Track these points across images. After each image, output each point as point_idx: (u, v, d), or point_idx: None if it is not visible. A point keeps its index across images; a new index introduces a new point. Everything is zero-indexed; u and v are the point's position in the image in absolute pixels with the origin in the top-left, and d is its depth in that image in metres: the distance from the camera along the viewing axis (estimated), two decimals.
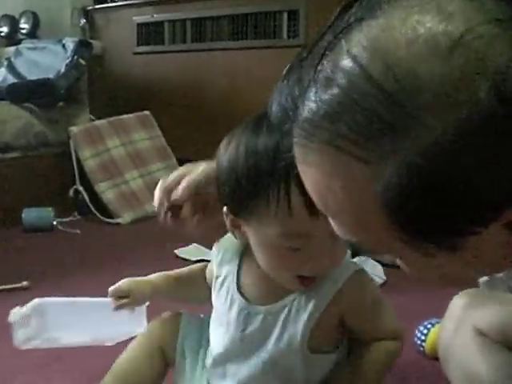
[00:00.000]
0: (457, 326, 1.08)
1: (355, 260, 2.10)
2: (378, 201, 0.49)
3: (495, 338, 1.01)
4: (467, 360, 1.04)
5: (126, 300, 1.07)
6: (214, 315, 1.09)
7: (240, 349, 1.04)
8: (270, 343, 1.01)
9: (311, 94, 0.51)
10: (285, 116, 0.54)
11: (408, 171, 0.47)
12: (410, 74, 0.46)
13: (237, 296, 1.04)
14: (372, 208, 0.50)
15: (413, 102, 0.46)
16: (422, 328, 1.54)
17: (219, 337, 1.07)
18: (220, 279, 1.07)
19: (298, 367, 1.02)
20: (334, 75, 0.49)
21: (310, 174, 0.54)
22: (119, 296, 1.07)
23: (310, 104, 0.51)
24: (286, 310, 1.00)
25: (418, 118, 0.46)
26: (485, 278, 1.17)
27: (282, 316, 1.00)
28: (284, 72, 0.56)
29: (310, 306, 0.99)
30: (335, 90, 0.49)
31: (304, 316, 0.99)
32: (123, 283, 1.09)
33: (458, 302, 1.11)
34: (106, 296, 1.08)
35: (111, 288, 1.09)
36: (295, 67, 0.54)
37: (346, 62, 0.49)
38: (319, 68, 0.51)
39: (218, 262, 1.07)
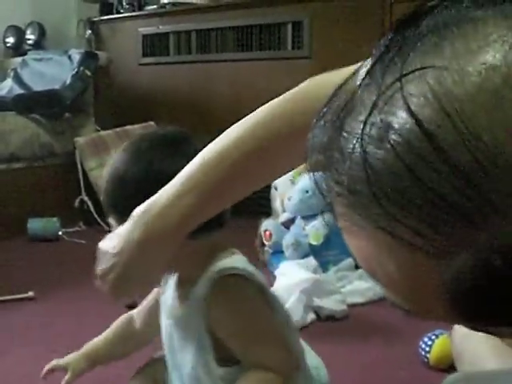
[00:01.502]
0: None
1: (359, 271, 2.07)
2: (439, 288, 0.40)
3: (508, 340, 1.01)
4: (479, 362, 1.03)
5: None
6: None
7: (172, 362, 0.99)
8: (185, 355, 0.94)
9: (355, 157, 0.39)
10: (324, 166, 0.42)
11: (483, 267, 0.37)
12: (491, 145, 0.35)
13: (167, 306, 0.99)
14: (430, 292, 0.41)
15: (490, 182, 0.35)
16: (426, 339, 1.54)
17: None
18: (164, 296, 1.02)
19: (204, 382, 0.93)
20: (386, 134, 0.37)
21: (358, 246, 0.43)
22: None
23: (354, 169, 0.39)
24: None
25: (494, 201, 0.36)
26: None
27: (181, 322, 0.94)
28: (323, 106, 0.44)
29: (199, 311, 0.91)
30: (388, 157, 0.37)
31: (194, 322, 0.91)
32: (62, 360, 1.11)
33: None
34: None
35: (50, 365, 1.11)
36: (337, 107, 0.42)
37: (402, 118, 0.37)
38: (370, 119, 0.38)
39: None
